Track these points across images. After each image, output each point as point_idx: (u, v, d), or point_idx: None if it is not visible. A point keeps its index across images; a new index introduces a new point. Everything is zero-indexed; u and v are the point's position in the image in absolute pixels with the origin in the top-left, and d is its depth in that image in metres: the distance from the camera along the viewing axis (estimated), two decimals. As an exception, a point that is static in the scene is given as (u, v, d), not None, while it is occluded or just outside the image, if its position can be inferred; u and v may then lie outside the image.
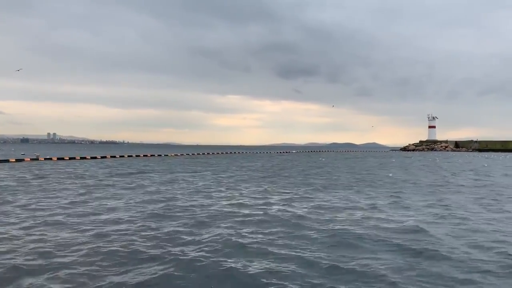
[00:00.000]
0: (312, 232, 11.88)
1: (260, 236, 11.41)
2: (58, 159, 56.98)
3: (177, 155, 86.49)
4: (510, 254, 9.47)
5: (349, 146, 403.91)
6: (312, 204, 17.42)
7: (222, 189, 23.26)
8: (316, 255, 9.46)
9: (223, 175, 33.31)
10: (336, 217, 14.33)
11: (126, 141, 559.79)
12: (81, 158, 61.44)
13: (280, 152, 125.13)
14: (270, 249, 9.94)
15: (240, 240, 10.78)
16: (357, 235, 11.37)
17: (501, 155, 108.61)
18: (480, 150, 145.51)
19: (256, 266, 8.60)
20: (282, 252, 9.70)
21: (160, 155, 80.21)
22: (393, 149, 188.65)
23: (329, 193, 21.49)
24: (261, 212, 15.10)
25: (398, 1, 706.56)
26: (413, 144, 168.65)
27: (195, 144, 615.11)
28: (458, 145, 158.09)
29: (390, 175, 35.02)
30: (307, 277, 7.96)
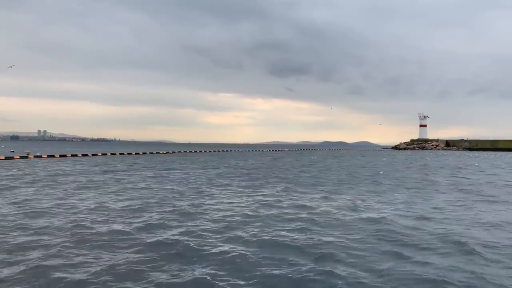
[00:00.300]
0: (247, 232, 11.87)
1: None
2: (49, 156, 56.48)
3: (168, 152, 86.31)
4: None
5: (341, 145, 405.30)
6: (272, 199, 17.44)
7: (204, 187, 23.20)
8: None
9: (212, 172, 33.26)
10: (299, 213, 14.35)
11: (117, 139, 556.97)
12: (72, 155, 60.98)
13: (273, 150, 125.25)
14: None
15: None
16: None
17: (491, 153, 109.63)
18: (470, 149, 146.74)
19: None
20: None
21: (152, 153, 79.99)
22: (385, 148, 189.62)
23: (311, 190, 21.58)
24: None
25: (390, 1, 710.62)
26: (404, 143, 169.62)
27: (187, 142, 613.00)
28: (449, 144, 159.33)
29: (381, 172, 35.33)
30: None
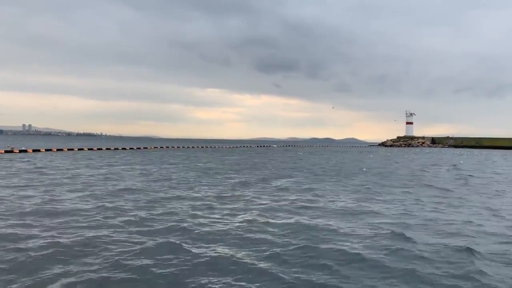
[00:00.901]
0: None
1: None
2: (34, 151, 55.79)
3: (156, 147, 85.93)
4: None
5: (328, 142, 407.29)
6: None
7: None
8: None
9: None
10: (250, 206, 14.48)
11: (104, 134, 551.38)
12: (58, 150, 60.36)
13: (262, 146, 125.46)
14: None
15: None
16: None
17: (475, 151, 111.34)
18: (455, 146, 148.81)
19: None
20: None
21: (139, 148, 79.53)
22: (372, 145, 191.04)
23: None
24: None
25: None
26: (391, 140, 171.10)
27: (175, 137, 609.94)
28: (435, 141, 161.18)
29: (364, 169, 35.72)
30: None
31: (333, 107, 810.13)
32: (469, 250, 9.21)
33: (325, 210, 14.22)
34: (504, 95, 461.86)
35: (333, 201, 16.46)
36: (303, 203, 15.47)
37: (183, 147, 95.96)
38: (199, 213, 13.29)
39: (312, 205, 15.30)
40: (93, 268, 7.74)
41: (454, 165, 43.34)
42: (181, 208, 14.14)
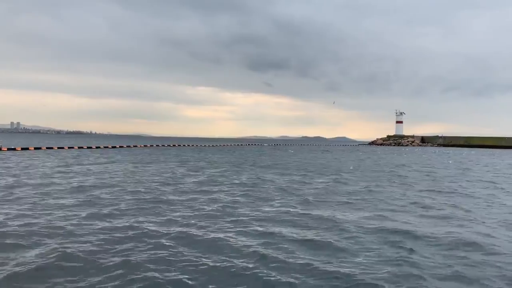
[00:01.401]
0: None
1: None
2: (23, 149, 55.22)
3: (146, 146, 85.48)
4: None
5: (319, 140, 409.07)
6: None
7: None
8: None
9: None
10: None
11: (93, 132, 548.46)
12: (48, 148, 59.80)
13: (253, 144, 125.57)
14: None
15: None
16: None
17: (464, 150, 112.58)
18: (444, 145, 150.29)
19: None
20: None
21: (129, 146, 79.12)
22: (362, 143, 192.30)
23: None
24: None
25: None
26: (381, 139, 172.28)
27: (166, 136, 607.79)
28: (424, 141, 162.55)
29: (351, 168, 35.95)
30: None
31: (333, 102, 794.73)
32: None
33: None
34: (492, 95, 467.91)
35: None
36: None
37: (173, 145, 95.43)
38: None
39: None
40: None
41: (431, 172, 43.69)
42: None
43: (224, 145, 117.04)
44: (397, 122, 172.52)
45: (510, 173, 33.14)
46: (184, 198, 16.19)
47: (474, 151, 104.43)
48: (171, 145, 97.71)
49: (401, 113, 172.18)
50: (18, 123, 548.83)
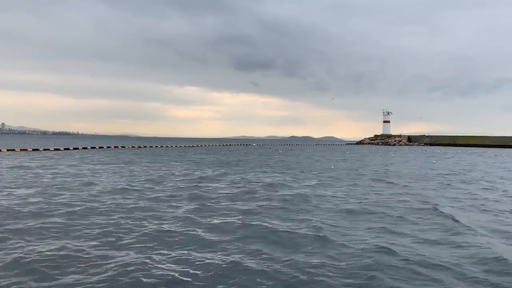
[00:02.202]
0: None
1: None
2: (8, 150, 54.45)
3: (134, 147, 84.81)
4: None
5: (307, 140, 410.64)
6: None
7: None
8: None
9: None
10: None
11: (80, 132, 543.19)
12: (34, 150, 59.06)
13: (241, 144, 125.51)
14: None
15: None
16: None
17: (451, 149, 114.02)
18: (431, 145, 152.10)
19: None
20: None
21: (116, 147, 78.49)
22: (349, 143, 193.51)
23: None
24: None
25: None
26: (368, 138, 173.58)
27: (153, 136, 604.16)
28: (411, 140, 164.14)
29: (332, 167, 36.21)
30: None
31: (332, 99, 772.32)
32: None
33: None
34: (477, 95, 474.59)
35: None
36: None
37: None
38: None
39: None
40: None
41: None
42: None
43: (206, 145, 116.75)
44: (384, 121, 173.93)
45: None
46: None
47: (460, 150, 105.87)
48: (155, 146, 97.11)
49: (388, 113, 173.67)
50: (3, 124, 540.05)
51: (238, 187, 20.24)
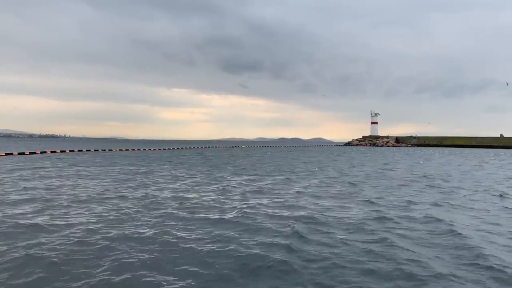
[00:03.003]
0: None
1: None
2: (-8, 154, 53.48)
3: (121, 150, 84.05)
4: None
5: (296, 141, 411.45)
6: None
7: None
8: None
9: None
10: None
11: (67, 135, 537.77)
12: (19, 153, 58.18)
13: (231, 147, 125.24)
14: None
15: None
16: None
17: (438, 150, 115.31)
18: (418, 145, 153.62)
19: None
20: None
21: (104, 150, 77.72)
22: (338, 144, 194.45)
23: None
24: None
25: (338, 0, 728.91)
26: (356, 139, 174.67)
27: (141, 138, 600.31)
28: (399, 141, 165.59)
29: (316, 169, 36.23)
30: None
31: (323, 95, 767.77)
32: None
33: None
34: (462, 96, 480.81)
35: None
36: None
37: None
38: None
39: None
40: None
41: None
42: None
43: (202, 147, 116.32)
44: (372, 122, 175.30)
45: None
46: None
47: (447, 150, 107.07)
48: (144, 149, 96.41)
49: (376, 114, 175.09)
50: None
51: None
